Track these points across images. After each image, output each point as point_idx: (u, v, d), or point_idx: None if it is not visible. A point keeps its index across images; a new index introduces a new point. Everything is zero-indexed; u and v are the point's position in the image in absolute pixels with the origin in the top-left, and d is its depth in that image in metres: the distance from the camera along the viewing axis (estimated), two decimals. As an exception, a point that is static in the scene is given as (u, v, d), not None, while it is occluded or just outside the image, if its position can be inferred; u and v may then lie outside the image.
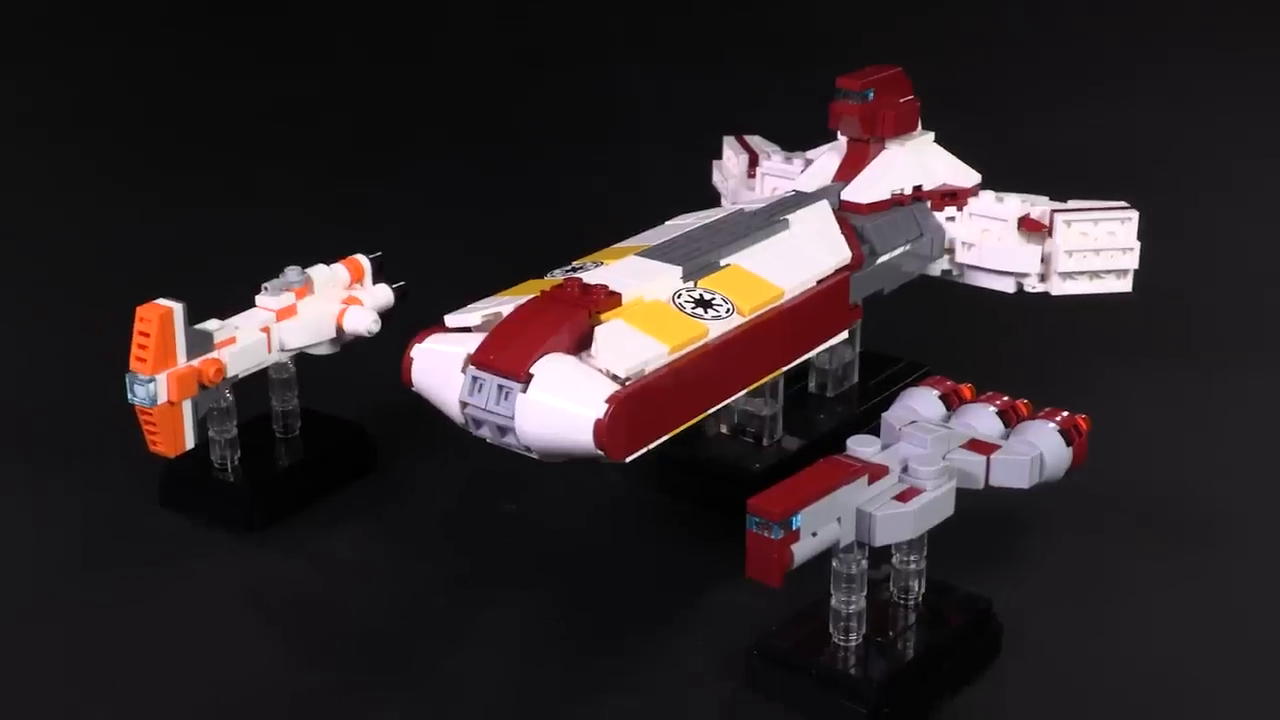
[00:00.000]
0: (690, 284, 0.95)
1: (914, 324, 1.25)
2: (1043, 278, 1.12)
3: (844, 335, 1.05)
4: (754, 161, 1.21)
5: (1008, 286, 1.14)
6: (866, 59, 1.14)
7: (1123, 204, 1.12)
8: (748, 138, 1.26)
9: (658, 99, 2.09)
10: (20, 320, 1.44)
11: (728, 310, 0.94)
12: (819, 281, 1.01)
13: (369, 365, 1.10)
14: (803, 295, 0.99)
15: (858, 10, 2.39)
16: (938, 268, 1.14)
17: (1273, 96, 2.04)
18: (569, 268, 0.97)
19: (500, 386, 0.85)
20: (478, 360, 0.87)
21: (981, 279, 1.14)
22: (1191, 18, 2.38)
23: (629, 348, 0.87)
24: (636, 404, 0.85)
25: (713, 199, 1.28)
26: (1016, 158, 1.70)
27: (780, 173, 1.19)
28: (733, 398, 0.96)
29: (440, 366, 0.89)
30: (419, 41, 2.40)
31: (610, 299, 0.90)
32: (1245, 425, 1.20)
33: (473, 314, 0.91)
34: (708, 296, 0.94)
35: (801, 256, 1.01)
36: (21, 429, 1.22)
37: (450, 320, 0.91)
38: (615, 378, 0.86)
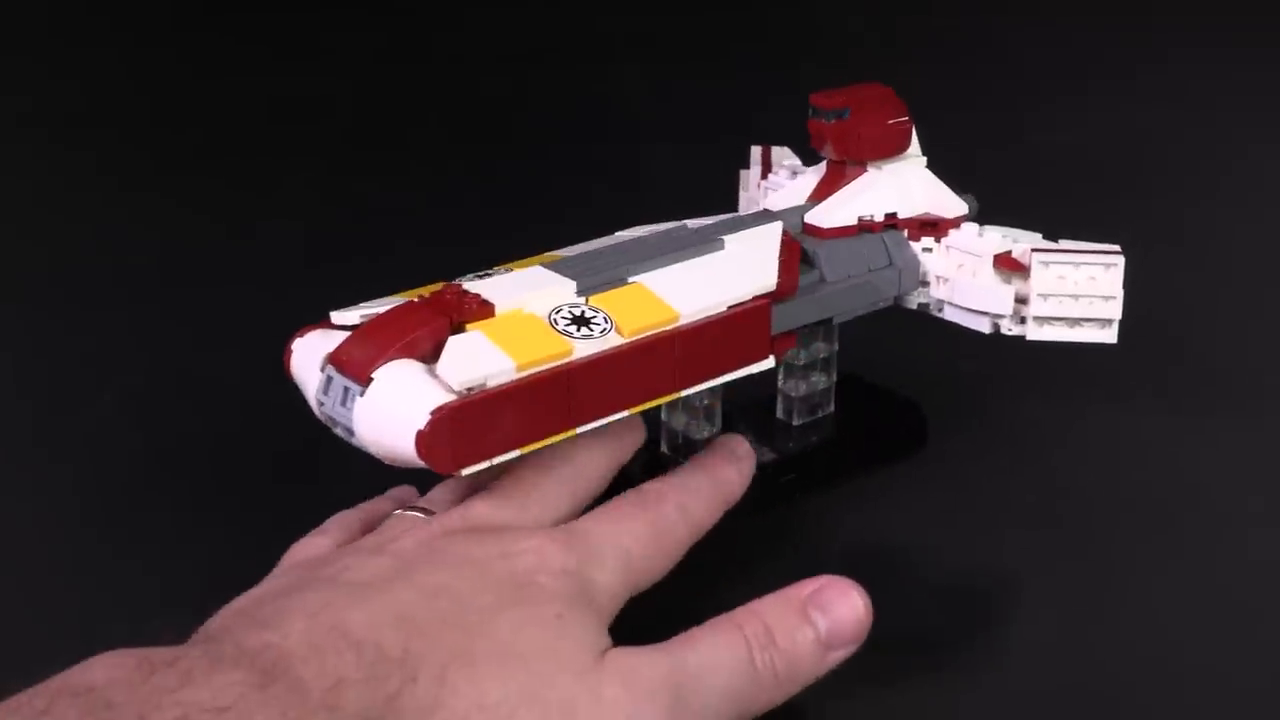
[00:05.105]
0: (581, 299, 0.90)
1: (900, 342, 1.21)
2: (1022, 320, 1.01)
3: (768, 364, 0.96)
4: (765, 174, 1.19)
5: (983, 326, 1.03)
6: (867, 59, 1.14)
7: (1113, 247, 1.00)
8: (774, 148, 1.21)
9: (658, 99, 2.09)
10: (21, 320, 1.44)
11: (604, 330, 0.88)
12: (730, 307, 0.93)
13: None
14: (703, 320, 0.92)
15: (858, 10, 2.40)
16: (915, 301, 1.07)
17: (1273, 96, 2.05)
18: (483, 272, 0.93)
19: (346, 388, 0.83)
20: (333, 359, 0.85)
21: (957, 316, 1.05)
22: (1192, 17, 2.38)
23: (474, 360, 0.83)
24: (465, 417, 0.81)
25: (713, 199, 1.28)
26: (1016, 158, 1.70)
27: (781, 188, 1.16)
28: (604, 420, 0.89)
29: (309, 363, 0.87)
30: (419, 41, 2.40)
31: (482, 309, 0.86)
32: (1245, 426, 1.20)
33: (354, 313, 0.89)
34: (589, 314, 0.89)
35: (717, 280, 0.94)
36: (21, 427, 1.22)
37: (335, 317, 0.89)
38: (451, 389, 0.82)
